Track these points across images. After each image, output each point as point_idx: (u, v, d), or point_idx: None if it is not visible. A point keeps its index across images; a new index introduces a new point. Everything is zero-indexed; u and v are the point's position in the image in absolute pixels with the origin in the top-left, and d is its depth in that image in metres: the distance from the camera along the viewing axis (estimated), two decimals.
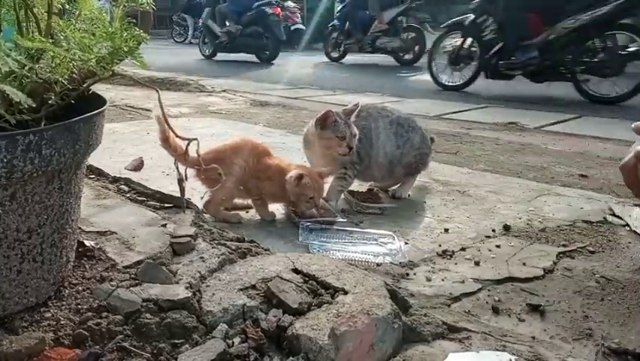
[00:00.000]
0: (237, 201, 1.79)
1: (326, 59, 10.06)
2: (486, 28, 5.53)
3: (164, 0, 16.69)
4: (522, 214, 1.86)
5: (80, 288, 1.13)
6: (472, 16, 5.62)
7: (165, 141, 1.61)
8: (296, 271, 1.20)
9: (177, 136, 1.45)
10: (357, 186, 2.08)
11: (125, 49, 1.05)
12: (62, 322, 1.01)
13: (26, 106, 0.91)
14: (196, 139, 1.42)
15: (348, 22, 9.50)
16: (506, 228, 1.72)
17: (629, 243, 1.64)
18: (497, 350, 1.03)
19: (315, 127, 1.82)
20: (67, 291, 1.11)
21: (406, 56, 9.19)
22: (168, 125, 1.41)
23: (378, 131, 1.95)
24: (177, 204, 1.68)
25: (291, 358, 0.96)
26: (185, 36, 16.26)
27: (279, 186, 1.66)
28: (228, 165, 1.64)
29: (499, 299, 1.27)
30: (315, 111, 4.04)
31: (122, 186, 1.89)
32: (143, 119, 3.53)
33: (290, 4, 12.98)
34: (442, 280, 1.36)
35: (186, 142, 1.37)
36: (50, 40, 1.04)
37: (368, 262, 1.44)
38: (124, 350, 0.96)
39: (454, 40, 5.81)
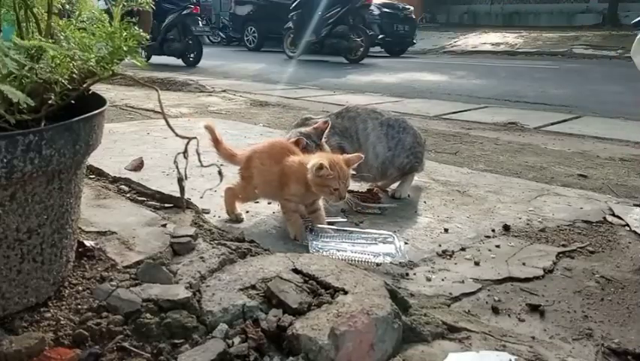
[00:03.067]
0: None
1: None
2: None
3: None
4: (522, 214, 1.86)
5: (80, 288, 1.13)
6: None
7: (217, 145, 1.71)
8: (296, 271, 1.20)
9: (176, 135, 1.45)
10: (357, 186, 2.08)
11: (125, 48, 1.05)
12: (62, 322, 1.01)
13: (26, 106, 0.91)
14: (195, 138, 1.42)
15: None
16: (506, 228, 1.72)
17: (629, 243, 1.64)
18: (497, 350, 1.03)
19: None
20: (67, 291, 1.11)
21: None
22: (168, 123, 1.41)
23: (367, 132, 1.95)
24: (177, 204, 1.68)
25: (291, 358, 0.96)
26: None
27: (303, 184, 1.55)
28: (251, 169, 1.65)
29: (499, 299, 1.27)
30: (315, 111, 4.05)
31: (122, 186, 1.89)
32: (143, 119, 3.53)
33: None
34: (442, 280, 1.36)
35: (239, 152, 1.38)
36: (50, 40, 1.04)
37: (368, 262, 1.44)
38: (124, 350, 0.96)
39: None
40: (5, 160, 0.87)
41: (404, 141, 1.98)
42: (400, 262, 1.44)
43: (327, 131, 1.80)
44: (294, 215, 1.60)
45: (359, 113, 1.98)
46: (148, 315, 1.02)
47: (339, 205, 1.90)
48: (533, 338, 1.11)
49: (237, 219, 1.70)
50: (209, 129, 1.70)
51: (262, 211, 1.79)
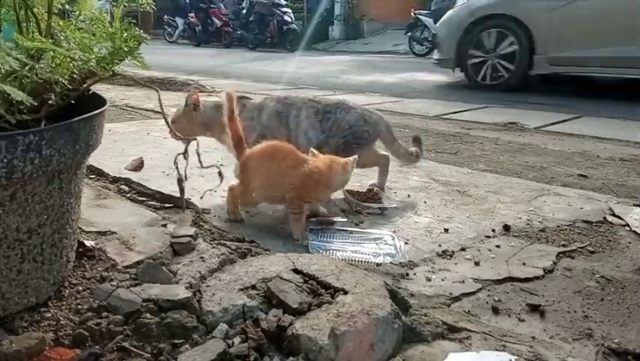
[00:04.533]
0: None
1: None
2: None
3: (165, 0, 16.86)
4: (522, 214, 1.86)
5: (80, 288, 1.13)
6: None
7: (230, 120, 1.63)
8: (296, 271, 1.20)
9: (177, 137, 1.45)
10: (358, 186, 2.08)
11: (126, 49, 1.05)
12: (62, 322, 1.01)
13: (27, 105, 0.91)
14: (195, 139, 1.42)
15: None
16: (506, 228, 1.72)
17: (629, 243, 1.64)
18: (497, 350, 1.03)
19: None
20: (67, 291, 1.11)
21: None
22: (168, 125, 1.41)
23: (300, 119, 1.96)
24: (177, 204, 1.68)
25: (291, 358, 0.96)
26: (174, 35, 17.03)
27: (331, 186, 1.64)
28: (251, 171, 1.62)
29: (499, 299, 1.27)
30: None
31: (122, 186, 1.89)
32: (143, 119, 3.53)
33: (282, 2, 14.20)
34: (442, 280, 1.36)
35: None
36: (50, 41, 1.04)
37: (368, 262, 1.44)
38: (124, 350, 0.96)
39: None
40: (5, 160, 0.87)
41: (341, 122, 1.94)
42: (400, 262, 1.44)
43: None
44: (303, 216, 1.61)
45: (295, 102, 2.01)
46: (148, 315, 1.02)
47: (339, 205, 1.90)
48: (533, 338, 1.11)
49: (237, 219, 1.69)
50: (229, 98, 1.63)
51: (262, 211, 1.79)
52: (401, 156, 2.10)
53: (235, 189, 1.68)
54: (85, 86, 1.10)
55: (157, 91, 1.49)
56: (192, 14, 15.58)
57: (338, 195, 1.97)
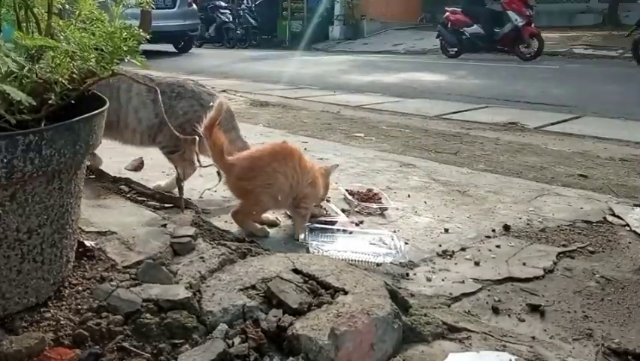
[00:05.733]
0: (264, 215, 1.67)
1: None
2: None
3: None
4: (522, 214, 1.86)
5: (80, 288, 1.13)
6: None
7: (208, 129, 1.48)
8: (296, 271, 1.20)
9: (178, 135, 1.45)
10: (358, 186, 2.08)
11: (125, 48, 1.05)
12: (62, 322, 1.01)
13: (27, 105, 0.91)
14: (196, 138, 1.42)
15: None
16: (506, 228, 1.72)
17: (629, 243, 1.64)
18: (497, 350, 1.03)
19: None
20: (67, 291, 1.11)
21: None
22: (167, 123, 1.42)
23: (131, 95, 1.83)
24: (177, 204, 1.68)
25: (291, 358, 0.96)
26: None
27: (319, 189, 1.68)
28: (269, 174, 1.53)
29: (499, 299, 1.27)
30: (315, 111, 4.04)
31: (122, 186, 1.88)
32: None
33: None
34: (442, 280, 1.36)
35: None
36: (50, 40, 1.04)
37: (368, 262, 1.44)
38: (124, 350, 0.96)
39: None
40: (5, 160, 0.87)
41: (174, 107, 1.83)
42: (400, 262, 1.44)
43: None
44: (309, 214, 1.65)
45: (119, 84, 1.83)
46: (148, 315, 1.02)
47: (339, 205, 1.90)
48: (533, 338, 1.11)
49: (264, 234, 1.60)
50: (219, 108, 1.49)
51: None
52: (237, 148, 1.83)
53: (243, 208, 1.57)
54: (85, 86, 1.10)
55: (156, 90, 1.50)
56: None
57: (338, 195, 1.97)
